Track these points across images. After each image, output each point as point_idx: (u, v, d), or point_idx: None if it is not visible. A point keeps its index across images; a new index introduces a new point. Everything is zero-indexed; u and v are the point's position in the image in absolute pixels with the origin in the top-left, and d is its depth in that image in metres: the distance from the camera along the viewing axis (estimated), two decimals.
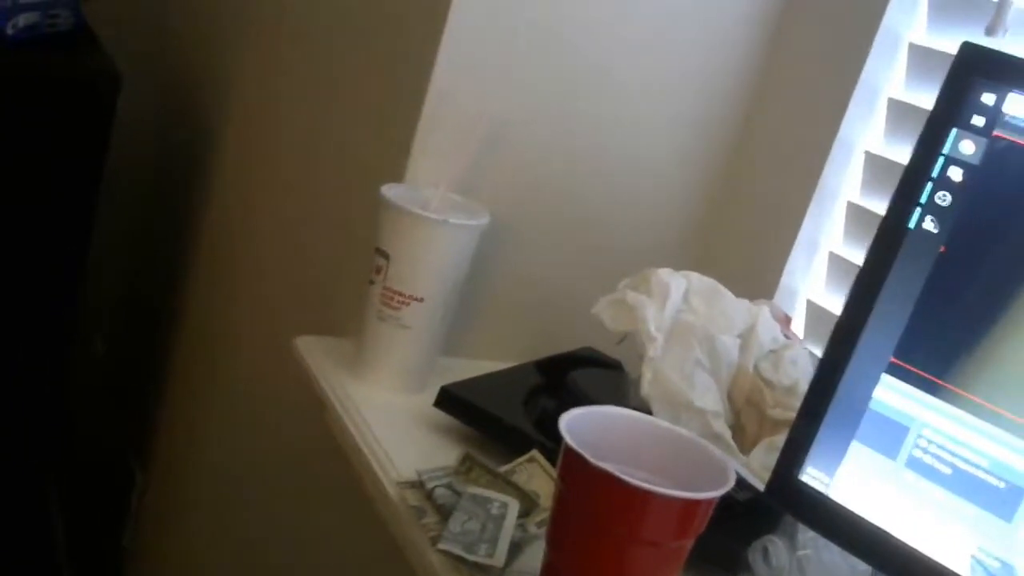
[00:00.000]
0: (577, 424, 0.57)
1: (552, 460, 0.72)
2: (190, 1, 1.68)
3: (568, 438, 0.55)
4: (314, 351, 0.90)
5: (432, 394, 0.82)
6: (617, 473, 0.52)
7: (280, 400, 1.15)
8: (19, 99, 1.30)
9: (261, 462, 1.21)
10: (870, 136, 0.91)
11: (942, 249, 0.59)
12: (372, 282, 0.85)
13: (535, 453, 0.73)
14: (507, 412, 0.80)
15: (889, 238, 0.61)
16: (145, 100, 1.68)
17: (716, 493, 0.54)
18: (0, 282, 1.37)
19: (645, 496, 0.53)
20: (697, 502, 0.53)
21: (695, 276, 0.78)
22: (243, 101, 1.42)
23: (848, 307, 0.62)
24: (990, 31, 0.80)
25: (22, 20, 1.28)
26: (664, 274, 0.76)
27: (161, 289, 1.67)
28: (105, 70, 1.37)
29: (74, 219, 1.37)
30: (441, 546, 0.63)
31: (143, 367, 1.71)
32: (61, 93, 1.32)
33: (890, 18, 0.88)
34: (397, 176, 0.91)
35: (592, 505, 0.54)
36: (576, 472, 0.55)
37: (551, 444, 0.73)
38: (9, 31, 1.27)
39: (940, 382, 0.59)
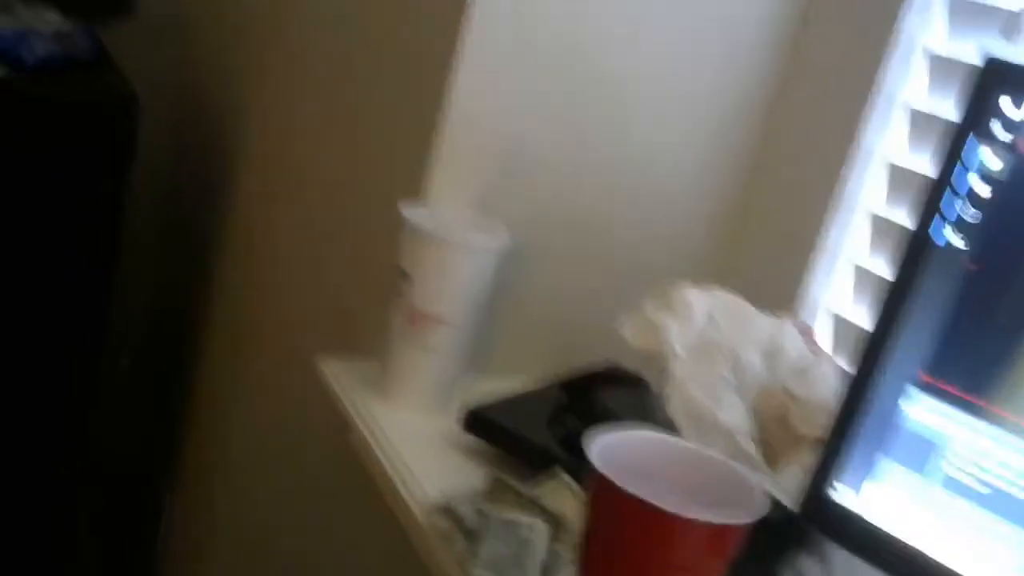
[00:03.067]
0: (605, 447, 0.57)
1: (577, 478, 0.72)
2: (207, 25, 1.69)
3: (596, 463, 0.55)
4: (338, 372, 0.91)
5: (457, 414, 0.82)
6: (649, 499, 0.52)
7: (305, 420, 1.15)
8: (39, 125, 1.31)
9: (287, 483, 1.21)
10: (892, 146, 0.91)
11: (970, 265, 0.59)
12: (395, 303, 0.85)
13: (562, 473, 0.73)
14: (533, 432, 0.80)
15: (916, 253, 0.61)
16: (164, 124, 1.69)
17: (751, 518, 0.53)
18: (27, 303, 1.38)
19: (679, 522, 0.52)
20: (732, 527, 0.53)
21: (718, 292, 0.78)
22: (262, 123, 1.42)
23: (877, 323, 0.62)
24: (1006, 34, 0.79)
25: (39, 47, 1.29)
26: (687, 291, 0.76)
27: (185, 309, 1.68)
28: (123, 94, 1.38)
29: (98, 241, 1.38)
30: (473, 572, 0.63)
31: (169, 386, 1.72)
32: (81, 118, 1.33)
33: (908, 25, 0.88)
34: (417, 193, 0.91)
35: (623, 531, 0.54)
36: (606, 498, 0.55)
37: (578, 464, 0.73)
38: (27, 58, 1.27)
39: (971, 398, 0.59)
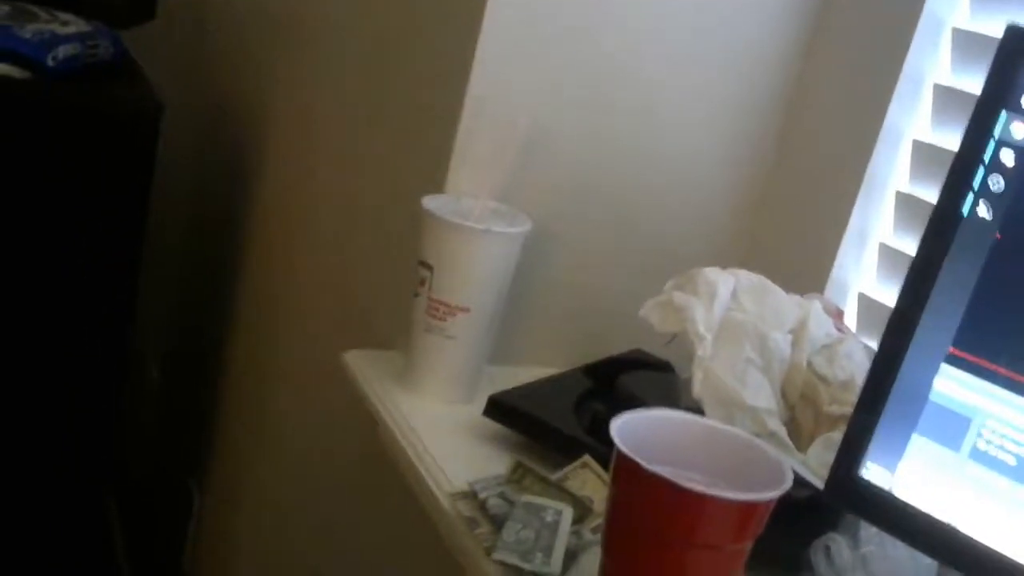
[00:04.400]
0: (628, 428, 0.56)
1: (605, 465, 0.71)
2: (227, 26, 1.70)
3: (620, 443, 0.54)
4: (362, 365, 0.90)
5: (481, 403, 0.82)
6: (672, 478, 0.52)
7: (330, 415, 1.16)
8: (64, 130, 1.32)
9: (315, 480, 1.21)
10: (917, 123, 0.89)
11: (997, 235, 0.58)
12: (417, 294, 0.85)
13: (587, 458, 0.72)
14: (557, 418, 0.79)
15: (942, 226, 0.60)
16: (185, 126, 1.70)
17: (774, 494, 0.53)
18: (55, 313, 1.39)
19: (701, 500, 0.52)
20: (755, 504, 0.52)
21: (743, 273, 0.77)
22: (281, 122, 1.43)
23: (903, 297, 0.61)
24: None
25: (62, 52, 1.30)
26: (711, 273, 0.75)
27: (211, 313, 1.69)
28: (147, 98, 1.39)
29: (123, 246, 1.39)
30: (496, 556, 0.62)
31: (197, 391, 1.73)
32: (104, 123, 1.34)
33: (932, 2, 0.86)
34: (437, 187, 0.91)
35: (647, 511, 0.53)
36: (630, 478, 0.54)
37: (603, 449, 0.72)
38: (50, 63, 1.28)
39: (1001, 370, 0.57)
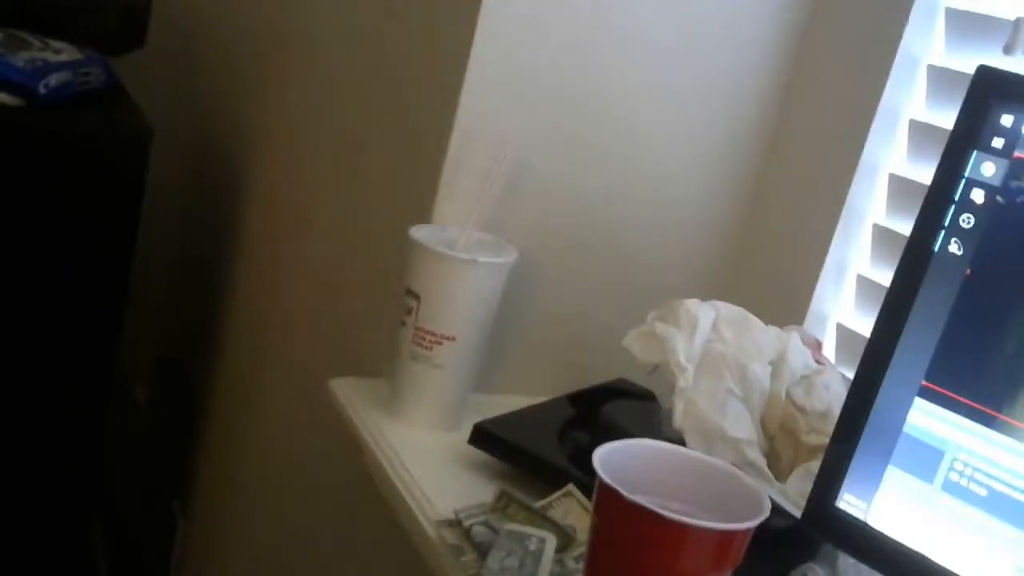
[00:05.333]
0: (611, 458, 0.57)
1: (588, 494, 0.72)
2: (215, 56, 1.71)
3: (601, 472, 0.55)
4: (348, 392, 0.91)
5: (467, 431, 0.83)
6: (651, 506, 0.53)
7: (316, 442, 1.16)
8: (55, 156, 1.33)
9: (299, 504, 1.22)
10: (894, 157, 0.91)
11: (967, 272, 0.59)
12: (403, 323, 0.86)
13: (571, 487, 0.73)
14: (541, 447, 0.80)
15: (914, 261, 0.62)
16: (173, 151, 1.71)
17: (751, 523, 0.54)
18: (41, 335, 1.39)
19: (680, 529, 0.53)
20: (733, 533, 0.54)
21: (723, 305, 0.78)
22: (270, 148, 1.44)
23: (877, 331, 0.63)
24: (1008, 50, 0.80)
25: (55, 79, 1.31)
26: (692, 305, 0.77)
27: (198, 337, 1.69)
28: (137, 124, 1.40)
29: (111, 269, 1.39)
30: None
31: (183, 415, 1.73)
32: (95, 148, 1.35)
33: (908, 40, 0.89)
34: (424, 217, 0.92)
35: (628, 540, 0.54)
36: (611, 507, 0.55)
37: (586, 478, 0.73)
38: (41, 91, 1.29)
39: (973, 404, 0.59)
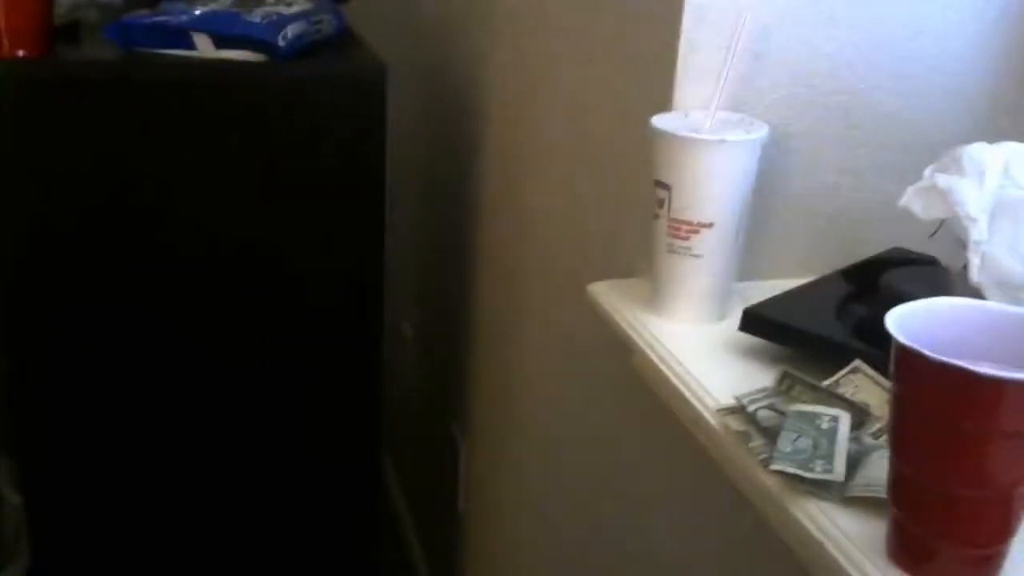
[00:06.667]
0: (906, 321, 0.53)
1: (877, 368, 0.68)
2: None
3: (898, 335, 0.51)
4: (609, 295, 0.90)
5: (734, 321, 0.79)
6: (963, 364, 0.48)
7: (581, 348, 1.16)
8: (302, 104, 1.38)
9: (570, 409, 1.23)
10: None
11: None
12: (657, 216, 0.83)
13: (858, 363, 0.69)
14: (820, 326, 0.76)
15: None
16: (407, 88, 1.75)
17: None
18: (313, 282, 1.47)
19: (997, 385, 0.48)
20: None
21: (1014, 145, 0.70)
22: (502, 69, 1.44)
23: None
24: None
25: (291, 31, 1.36)
26: (976, 150, 0.69)
27: (453, 269, 1.74)
28: (372, 63, 1.44)
29: (368, 207, 1.45)
30: (774, 467, 0.60)
31: (449, 342, 1.79)
32: (337, 91, 1.40)
33: None
34: (664, 106, 0.88)
35: (939, 404, 0.50)
36: (914, 372, 0.51)
37: (874, 352, 0.69)
38: (281, 43, 1.35)
39: None
